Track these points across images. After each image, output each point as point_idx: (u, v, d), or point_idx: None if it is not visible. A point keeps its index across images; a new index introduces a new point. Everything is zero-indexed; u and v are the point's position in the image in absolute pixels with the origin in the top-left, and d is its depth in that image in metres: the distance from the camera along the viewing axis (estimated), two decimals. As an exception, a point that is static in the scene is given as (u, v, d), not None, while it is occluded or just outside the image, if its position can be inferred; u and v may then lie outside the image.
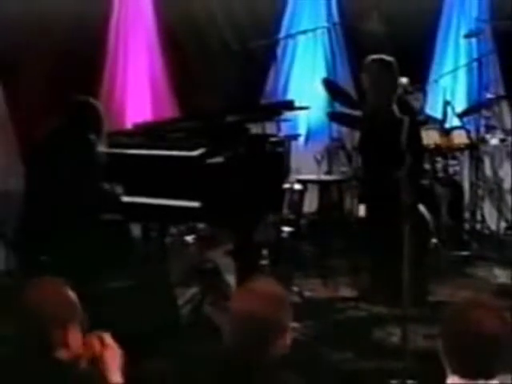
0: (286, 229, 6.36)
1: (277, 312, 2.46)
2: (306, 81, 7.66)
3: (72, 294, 2.54)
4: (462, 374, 2.25)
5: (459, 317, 2.30)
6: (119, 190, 5.08)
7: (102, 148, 5.10)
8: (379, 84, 5.40)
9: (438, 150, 6.53)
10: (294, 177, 6.49)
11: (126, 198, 5.08)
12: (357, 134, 6.99)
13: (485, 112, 6.93)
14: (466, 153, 6.91)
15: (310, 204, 7.06)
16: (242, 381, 2.39)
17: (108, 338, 2.59)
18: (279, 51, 7.23)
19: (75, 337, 2.48)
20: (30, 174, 5.30)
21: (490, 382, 2.23)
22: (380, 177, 5.35)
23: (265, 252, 6.10)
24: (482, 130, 6.92)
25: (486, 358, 2.23)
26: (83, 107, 5.18)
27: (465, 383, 2.25)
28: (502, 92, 7.34)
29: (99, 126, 5.12)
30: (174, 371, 2.61)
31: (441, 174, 6.60)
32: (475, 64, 7.22)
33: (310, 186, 6.89)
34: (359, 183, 6.22)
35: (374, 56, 5.59)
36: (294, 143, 6.39)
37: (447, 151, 6.64)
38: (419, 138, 5.37)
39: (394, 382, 4.12)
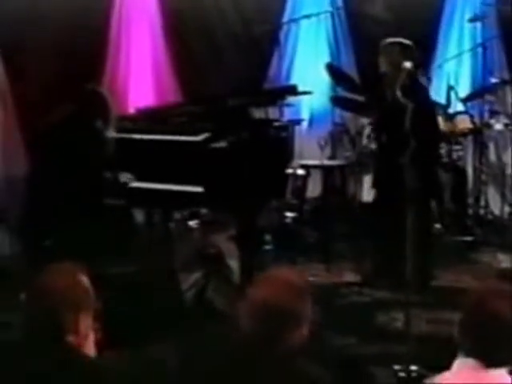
0: (289, 214, 6.37)
1: (294, 301, 2.42)
2: (309, 66, 7.63)
3: (86, 281, 2.55)
4: (477, 359, 2.26)
5: (479, 302, 2.30)
6: (128, 176, 5.07)
7: (110, 134, 5.08)
8: (398, 67, 5.32)
9: (441, 136, 6.51)
10: (297, 162, 6.48)
11: (131, 184, 5.08)
12: (360, 119, 7.01)
13: (489, 97, 6.91)
14: (470, 138, 6.89)
15: (314, 189, 7.05)
16: (256, 369, 2.37)
17: None
18: (282, 36, 7.20)
19: (86, 322, 2.50)
20: (36, 162, 5.30)
21: (500, 369, 2.24)
22: (388, 162, 5.34)
23: (268, 237, 6.11)
24: (486, 115, 6.90)
25: (501, 344, 2.24)
26: (90, 95, 5.17)
27: (476, 371, 2.26)
28: (506, 77, 7.31)
29: (107, 114, 5.11)
30: (185, 358, 2.60)
31: (444, 160, 6.58)
32: (479, 49, 7.18)
33: (313, 171, 6.89)
34: (373, 168, 6.16)
35: (392, 39, 5.54)
36: (297, 128, 6.39)
37: (451, 136, 6.62)
38: (427, 124, 5.29)
39: (397, 366, 4.12)
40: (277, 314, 2.38)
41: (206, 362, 2.48)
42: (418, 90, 5.37)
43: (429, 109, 5.52)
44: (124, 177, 5.08)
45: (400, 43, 5.51)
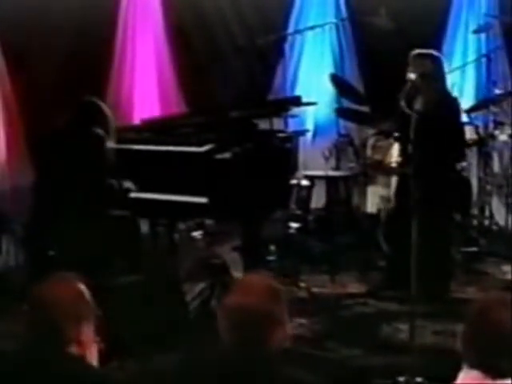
0: (294, 224, 6.36)
1: (267, 304, 2.40)
2: (313, 77, 7.65)
3: (86, 291, 2.55)
4: (481, 370, 2.25)
5: (483, 313, 2.30)
6: (129, 186, 5.08)
7: (110, 144, 5.10)
8: (427, 79, 5.28)
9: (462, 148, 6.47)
10: (301, 172, 6.48)
11: (134, 194, 5.08)
12: (364, 130, 7.01)
13: (493, 108, 6.90)
14: (475, 149, 6.88)
15: (318, 200, 7.05)
16: (242, 377, 2.37)
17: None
18: (287, 47, 7.21)
19: (88, 333, 2.50)
20: (39, 170, 5.31)
21: (506, 379, 2.23)
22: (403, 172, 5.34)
23: (272, 248, 6.10)
24: (491, 125, 6.89)
25: (505, 354, 2.23)
26: (87, 108, 5.16)
27: (481, 382, 2.25)
28: (510, 88, 7.31)
29: (106, 125, 5.11)
30: (174, 371, 2.61)
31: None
32: (484, 60, 7.19)
33: (317, 181, 6.89)
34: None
35: (422, 50, 5.53)
36: (301, 139, 6.38)
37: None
38: (434, 135, 5.26)
39: (402, 378, 4.11)
40: (250, 316, 2.38)
41: (198, 369, 2.49)
42: (439, 101, 5.33)
43: (449, 122, 5.46)
44: (126, 185, 5.08)
45: (430, 55, 5.51)
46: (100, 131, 5.07)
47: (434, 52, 5.55)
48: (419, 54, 5.47)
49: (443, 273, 5.49)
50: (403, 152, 5.64)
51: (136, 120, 6.75)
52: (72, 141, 5.10)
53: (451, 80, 7.09)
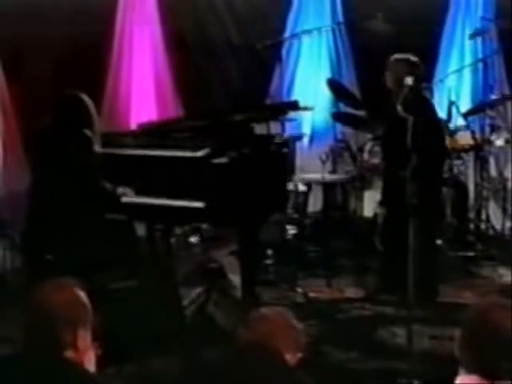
0: (291, 229, 6.36)
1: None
2: (310, 81, 7.66)
3: (83, 296, 2.54)
4: (479, 374, 2.25)
5: (480, 317, 2.30)
6: (126, 191, 5.04)
7: (96, 147, 5.00)
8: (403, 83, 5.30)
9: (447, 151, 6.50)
10: (298, 177, 6.49)
11: (130, 198, 5.07)
12: (361, 135, 7.02)
13: (490, 112, 6.91)
14: (471, 153, 6.89)
15: (315, 204, 7.06)
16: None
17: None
18: (284, 51, 7.22)
19: (84, 338, 2.49)
20: (33, 174, 5.30)
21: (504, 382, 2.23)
22: (391, 177, 5.35)
23: (269, 252, 6.11)
24: (487, 130, 6.90)
25: (503, 358, 2.23)
26: (73, 105, 5.08)
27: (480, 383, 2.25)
28: (507, 92, 7.32)
29: (91, 124, 5.00)
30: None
31: (446, 175, 6.58)
32: (480, 64, 7.20)
33: (314, 186, 6.89)
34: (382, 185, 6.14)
35: (399, 55, 5.55)
36: (298, 143, 6.39)
37: (452, 151, 6.62)
38: (427, 138, 5.29)
39: (399, 382, 4.11)
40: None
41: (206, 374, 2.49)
42: (421, 104, 5.36)
43: (433, 123, 5.52)
44: (121, 190, 5.05)
45: (406, 60, 5.52)
46: (88, 132, 4.99)
47: (411, 56, 5.55)
48: (396, 60, 5.51)
49: (433, 275, 5.48)
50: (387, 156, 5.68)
51: (133, 124, 6.75)
52: (59, 143, 5.04)
53: (448, 84, 7.12)
